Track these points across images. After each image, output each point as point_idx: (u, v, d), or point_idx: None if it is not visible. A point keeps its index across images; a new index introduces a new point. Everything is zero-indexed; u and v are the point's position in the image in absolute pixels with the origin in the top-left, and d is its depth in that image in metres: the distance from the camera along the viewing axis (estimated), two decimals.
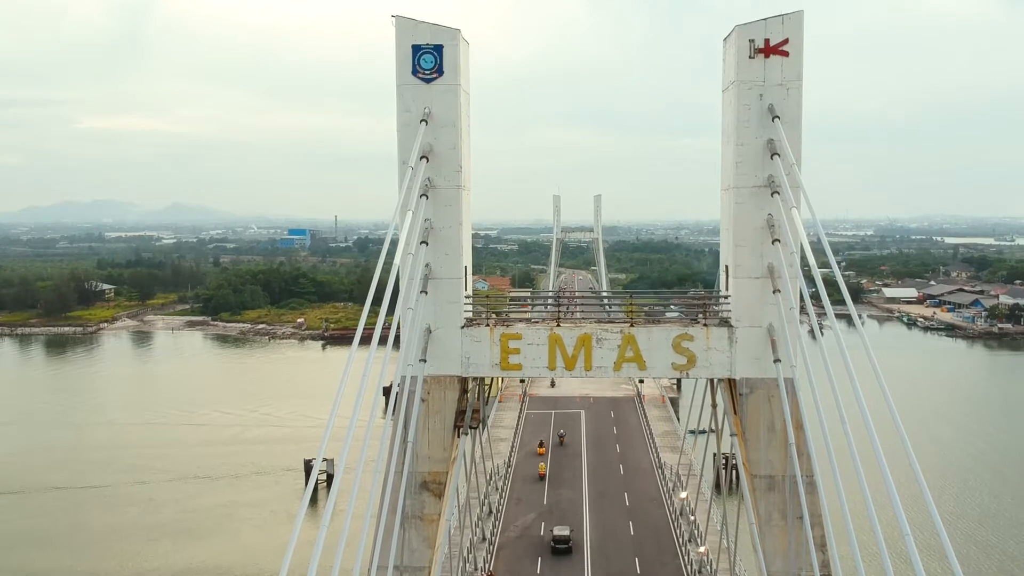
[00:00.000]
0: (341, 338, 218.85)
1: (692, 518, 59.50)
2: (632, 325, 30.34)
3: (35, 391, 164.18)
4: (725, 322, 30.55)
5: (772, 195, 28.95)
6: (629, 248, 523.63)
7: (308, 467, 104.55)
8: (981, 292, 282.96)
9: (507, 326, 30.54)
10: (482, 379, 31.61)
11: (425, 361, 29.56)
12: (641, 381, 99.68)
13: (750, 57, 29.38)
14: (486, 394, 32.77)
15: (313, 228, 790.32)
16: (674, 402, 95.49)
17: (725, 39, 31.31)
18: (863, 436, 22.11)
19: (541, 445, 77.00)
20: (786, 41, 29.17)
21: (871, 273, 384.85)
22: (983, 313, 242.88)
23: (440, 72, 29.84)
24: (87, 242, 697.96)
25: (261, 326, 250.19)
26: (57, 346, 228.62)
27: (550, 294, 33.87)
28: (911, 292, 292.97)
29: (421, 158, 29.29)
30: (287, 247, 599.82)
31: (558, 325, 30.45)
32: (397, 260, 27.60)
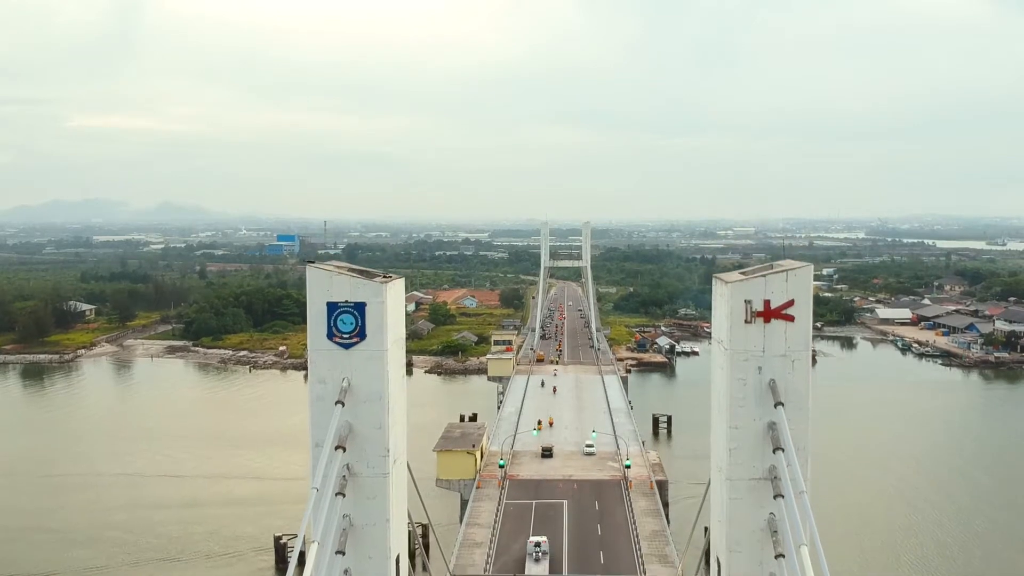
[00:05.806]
0: None
1: None
2: None
3: None
4: None
5: (775, 497, 23.14)
6: (620, 257, 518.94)
7: (277, 544, 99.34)
8: (975, 312, 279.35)
9: None
10: None
11: None
12: (627, 467, 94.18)
13: (746, 321, 23.53)
14: None
15: (303, 230, 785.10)
16: (662, 485, 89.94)
17: (715, 278, 25.47)
18: None
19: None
20: (791, 303, 23.30)
21: (864, 287, 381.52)
22: (979, 339, 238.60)
23: (362, 336, 23.87)
24: (74, 247, 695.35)
25: (243, 353, 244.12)
26: (32, 375, 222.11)
27: None
28: (905, 313, 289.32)
29: (337, 448, 23.35)
30: (275, 254, 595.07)
31: None
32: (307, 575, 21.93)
